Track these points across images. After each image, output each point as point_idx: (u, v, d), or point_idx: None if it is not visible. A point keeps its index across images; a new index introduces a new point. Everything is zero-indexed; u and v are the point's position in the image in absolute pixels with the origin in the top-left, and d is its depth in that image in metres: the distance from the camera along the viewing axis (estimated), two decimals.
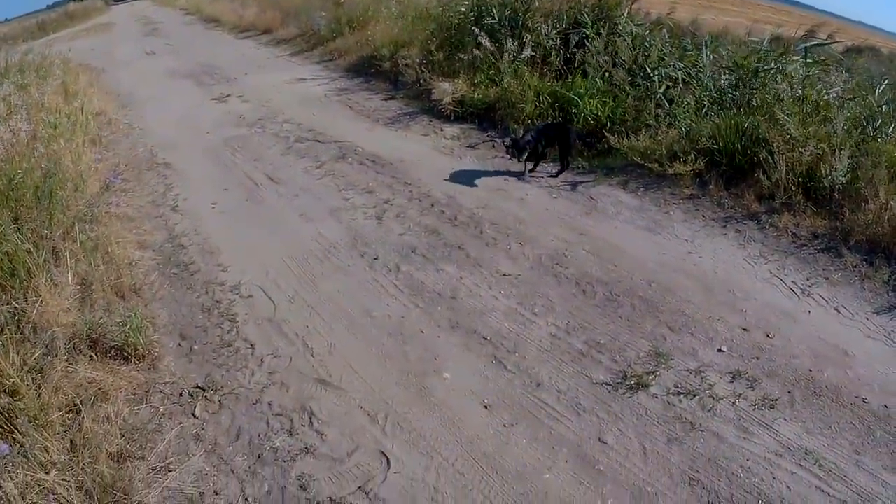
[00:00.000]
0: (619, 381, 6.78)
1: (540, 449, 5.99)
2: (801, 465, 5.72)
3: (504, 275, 7.83)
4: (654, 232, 8.76)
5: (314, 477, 5.04)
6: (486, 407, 6.38)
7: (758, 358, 6.91)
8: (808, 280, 8.15)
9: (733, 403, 6.37)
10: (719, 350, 7.10)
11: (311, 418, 5.61)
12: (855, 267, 8.21)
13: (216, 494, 4.89)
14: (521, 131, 10.12)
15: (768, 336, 7.22)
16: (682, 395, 6.55)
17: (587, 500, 5.52)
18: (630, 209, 9.37)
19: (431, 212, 9.38)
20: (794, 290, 7.99)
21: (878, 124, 9.77)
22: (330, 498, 4.87)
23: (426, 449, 5.78)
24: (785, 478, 5.63)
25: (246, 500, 5.21)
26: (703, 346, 7.15)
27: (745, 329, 7.32)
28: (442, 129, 12.39)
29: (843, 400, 6.35)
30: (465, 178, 10.43)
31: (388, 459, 5.22)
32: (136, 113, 13.13)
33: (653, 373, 6.83)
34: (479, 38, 12.82)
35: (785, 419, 6.18)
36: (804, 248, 8.74)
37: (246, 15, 24.36)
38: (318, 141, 11.83)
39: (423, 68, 14.02)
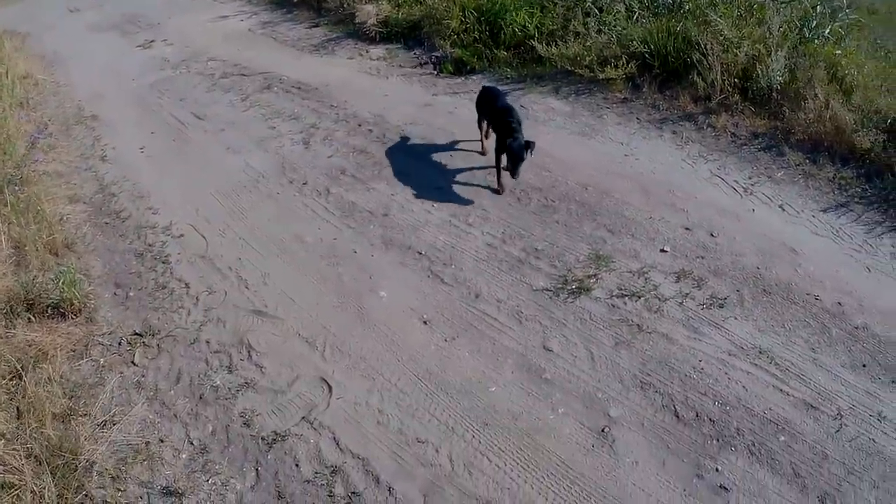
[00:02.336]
0: (560, 286, 6.39)
1: (484, 362, 5.63)
2: (755, 365, 5.45)
3: (437, 188, 7.63)
4: (588, 136, 8.55)
5: (257, 412, 4.96)
6: (425, 323, 6.04)
7: (703, 257, 6.60)
8: (750, 179, 7.81)
9: (680, 304, 6.07)
10: (662, 251, 6.77)
11: (249, 352, 5.51)
12: (798, 165, 7.91)
13: (161, 442, 4.81)
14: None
15: (712, 235, 6.90)
16: (626, 298, 6.21)
17: (537, 410, 5.17)
18: (562, 115, 9.14)
19: (359, 132, 9.07)
20: (737, 189, 7.65)
21: (813, 25, 9.54)
22: (275, 432, 4.80)
23: (367, 371, 5.39)
24: (740, 378, 5.35)
25: (191, 443, 4.95)
26: (645, 247, 6.80)
27: (687, 229, 6.99)
28: (367, 52, 12.01)
29: (795, 297, 6.08)
30: (392, 96, 10.07)
31: (329, 386, 5.16)
32: (62, 71, 12.65)
33: (594, 276, 6.47)
34: None
35: (735, 318, 5.89)
36: (744, 147, 8.36)
37: None
38: (243, 75, 11.42)
39: None
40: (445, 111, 9.53)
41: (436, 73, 10.82)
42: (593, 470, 4.69)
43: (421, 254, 6.60)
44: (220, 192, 7.86)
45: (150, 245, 7.03)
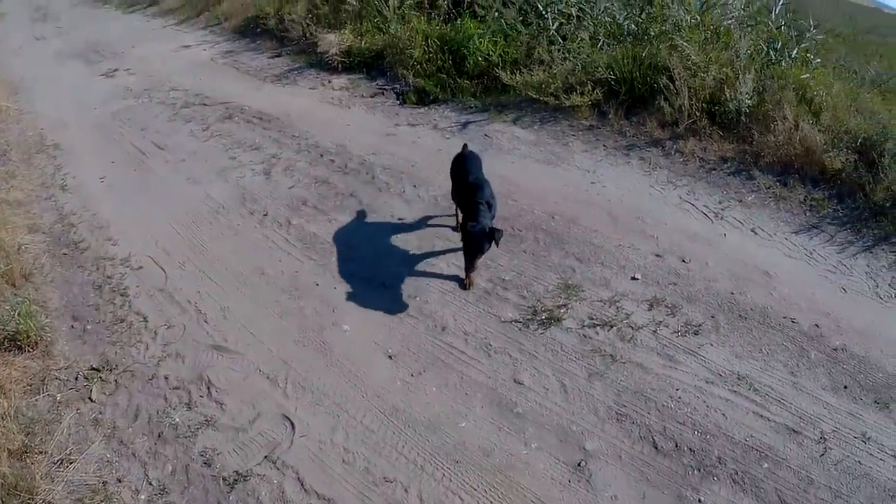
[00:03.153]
0: (530, 317, 6.20)
1: (452, 396, 5.43)
2: (734, 392, 5.32)
3: (399, 219, 7.50)
4: (554, 165, 8.46)
5: (218, 450, 4.75)
6: (390, 357, 5.83)
7: (675, 284, 6.48)
8: (720, 203, 7.70)
9: (654, 332, 5.92)
10: (633, 278, 6.61)
11: (209, 388, 5.30)
12: (768, 188, 7.86)
13: (120, 482, 4.62)
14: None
15: (684, 261, 6.78)
16: (598, 328, 6.03)
17: (509, 446, 4.97)
18: (527, 144, 9.00)
19: (321, 162, 8.97)
20: (707, 214, 7.54)
21: (778, 46, 9.58)
22: (236, 472, 4.62)
23: (331, 408, 5.20)
24: (719, 405, 5.19)
25: (150, 484, 4.71)
26: (616, 275, 6.65)
27: (658, 255, 6.86)
28: (330, 81, 11.89)
29: (771, 321, 5.97)
30: (354, 126, 10.04)
31: (292, 423, 4.96)
32: (26, 98, 12.58)
33: (564, 306, 6.28)
34: None
35: (712, 345, 5.75)
36: (713, 172, 8.29)
37: None
38: (205, 104, 11.29)
39: (308, 22, 13.47)
40: (408, 141, 9.40)
41: (399, 103, 10.71)
42: None
43: (385, 286, 6.43)
44: (180, 223, 7.66)
45: (108, 277, 6.84)
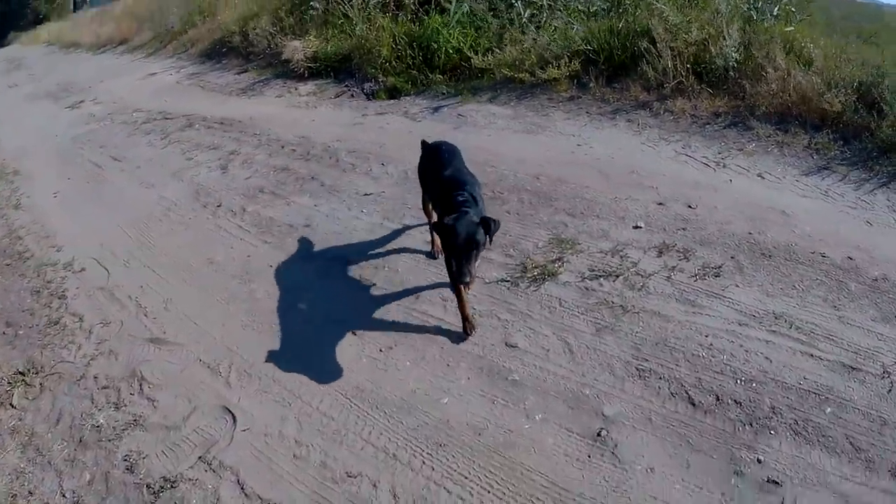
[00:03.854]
0: (519, 275, 5.13)
1: (430, 369, 4.33)
2: (774, 332, 4.27)
3: (366, 194, 6.72)
4: (534, 133, 7.60)
5: (144, 454, 3.83)
6: (354, 334, 4.73)
7: (684, 229, 5.43)
8: (719, 154, 6.73)
9: (668, 278, 4.88)
10: (636, 227, 5.57)
11: (141, 385, 4.43)
12: (769, 137, 6.90)
13: (31, 494, 3.78)
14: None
15: (690, 207, 5.74)
16: (601, 279, 4.96)
17: (506, 420, 3.87)
18: (504, 118, 8.14)
19: (281, 153, 8.06)
20: (707, 163, 6.57)
21: (759, 5, 8.78)
22: (164, 477, 3.65)
23: (282, 396, 4.23)
24: (760, 349, 4.14)
25: (63, 496, 3.76)
26: (615, 226, 5.61)
27: (660, 204, 5.84)
28: (297, 89, 10.99)
29: (799, 258, 4.97)
30: (319, 121, 9.16)
31: (233, 416, 4.04)
32: None
33: (558, 260, 5.24)
34: None
35: (737, 286, 4.72)
36: (707, 126, 7.30)
37: (102, 32, 23.20)
38: (167, 119, 10.49)
39: (273, 32, 12.82)
40: (376, 126, 8.57)
41: (368, 100, 10.10)
42: (595, 486, 3.41)
43: (349, 261, 5.52)
44: (129, 224, 6.89)
45: (48, 282, 6.04)
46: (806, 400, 3.75)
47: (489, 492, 3.44)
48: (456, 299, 4.39)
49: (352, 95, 10.72)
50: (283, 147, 8.32)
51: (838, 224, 5.33)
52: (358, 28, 11.51)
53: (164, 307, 5.34)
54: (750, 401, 3.78)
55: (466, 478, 3.54)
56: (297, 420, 4.06)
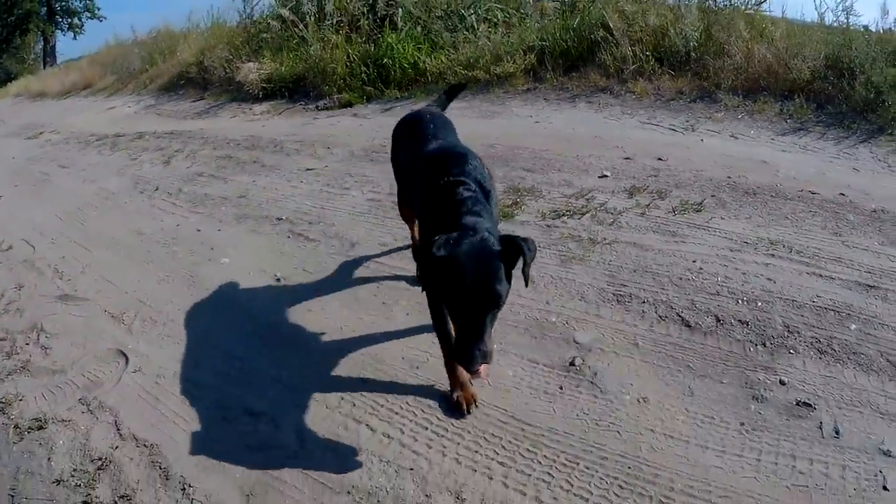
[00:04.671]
0: None
1: (363, 308, 3.48)
2: (772, 255, 3.54)
3: (308, 169, 5.98)
4: (490, 118, 6.86)
5: (21, 397, 3.15)
6: (278, 280, 3.96)
7: (655, 177, 4.73)
8: (687, 122, 5.99)
9: (642, 214, 4.16)
10: (602, 176, 4.84)
11: (38, 335, 3.71)
12: (737, 107, 6.17)
13: None
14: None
15: (660, 160, 5.02)
16: (564, 217, 4.25)
17: None
18: (459, 109, 6.86)
19: (227, 147, 7.37)
20: (676, 130, 5.84)
21: None
22: (35, 418, 2.94)
23: (185, 339, 3.44)
24: (759, 271, 3.39)
25: None
26: (578, 177, 4.89)
27: (627, 158, 5.11)
28: (251, 109, 10.16)
29: (787, 195, 4.29)
30: (269, 126, 8.37)
31: (126, 358, 3.32)
32: None
33: (515, 204, 4.54)
34: (277, 10, 11.18)
35: (722, 218, 4.01)
36: (672, 102, 6.58)
37: (68, 80, 22.71)
38: (118, 136, 9.63)
39: (229, 57, 12.09)
40: (326, 125, 7.92)
41: (320, 111, 9.33)
42: (570, 420, 2.55)
43: (281, 219, 4.83)
44: (66, 212, 6.09)
45: None
46: (824, 317, 2.99)
47: (426, 429, 2.59)
48: (447, 375, 2.68)
49: (305, 110, 9.98)
50: (229, 143, 7.57)
51: (823, 170, 4.72)
52: (312, 48, 10.87)
53: (82, 271, 4.56)
54: (758, 320, 3.00)
55: (397, 414, 2.68)
56: (196, 361, 3.25)
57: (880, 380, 2.59)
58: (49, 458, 2.67)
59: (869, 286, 3.17)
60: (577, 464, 2.28)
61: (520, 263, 2.08)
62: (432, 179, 2.50)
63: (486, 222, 2.27)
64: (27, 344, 3.66)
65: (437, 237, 2.07)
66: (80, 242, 5.14)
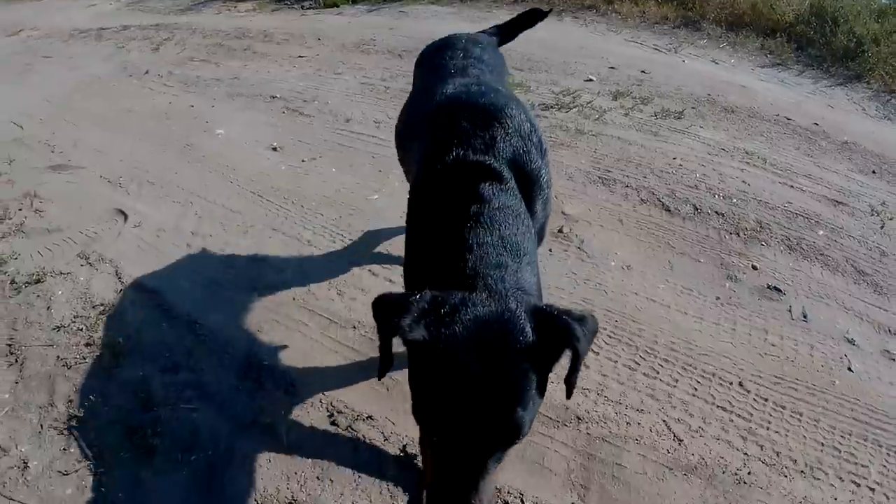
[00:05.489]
0: None
1: (359, 174, 3.55)
2: (748, 163, 3.69)
3: (300, 56, 5.83)
4: (477, 22, 6.52)
5: (17, 254, 3.07)
6: (275, 149, 3.95)
7: (639, 86, 4.77)
8: (670, 44, 5.98)
9: (626, 115, 4.24)
10: (587, 80, 4.85)
11: (32, 201, 3.59)
12: (720, 38, 6.15)
13: None
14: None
15: (644, 72, 5.05)
16: (552, 109, 4.31)
17: None
18: (445, 13, 7.21)
19: (216, 36, 7.01)
20: (659, 49, 5.81)
21: None
22: (32, 273, 2.87)
23: (184, 197, 3.46)
24: (735, 174, 3.54)
25: None
26: (565, 78, 4.91)
27: (612, 67, 5.13)
28: (235, 6, 9.49)
29: (764, 116, 4.37)
30: (257, 21, 7.92)
31: (125, 216, 3.29)
32: None
33: None
34: None
35: (701, 127, 4.11)
36: (657, 25, 6.53)
37: None
38: (102, 30, 8.87)
39: None
40: (314, 20, 7.60)
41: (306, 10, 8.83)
42: (560, 276, 2.72)
43: (275, 97, 4.76)
44: (53, 95, 5.72)
45: None
46: (794, 221, 3.18)
47: None
48: None
49: (290, 8, 9.47)
50: (218, 33, 7.18)
51: (800, 102, 4.78)
52: None
53: (74, 145, 4.41)
54: (733, 213, 3.17)
55: (397, 263, 2.76)
56: (198, 217, 3.26)
57: (845, 281, 2.76)
58: (49, 308, 2.67)
59: (837, 202, 3.33)
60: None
61: (580, 353, 1.10)
62: (429, 157, 1.51)
63: (519, 267, 1.27)
64: (20, 209, 3.59)
65: (413, 296, 1.12)
66: (70, 121, 5.00)
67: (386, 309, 1.13)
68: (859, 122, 4.51)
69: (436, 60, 2.02)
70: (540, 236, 1.56)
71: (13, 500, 1.84)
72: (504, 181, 1.38)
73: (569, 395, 1.19)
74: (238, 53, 6.13)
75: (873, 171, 3.78)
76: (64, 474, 1.91)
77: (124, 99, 5.19)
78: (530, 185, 1.45)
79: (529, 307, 1.11)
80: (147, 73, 5.92)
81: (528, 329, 1.06)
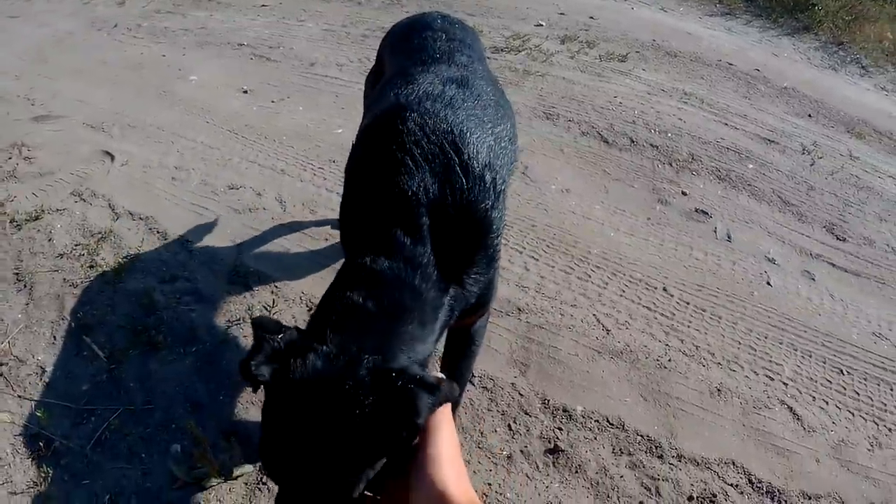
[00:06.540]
0: None
1: (325, 112, 3.70)
2: (685, 103, 3.89)
3: (262, 6, 5.78)
4: None
5: (13, 197, 3.11)
6: (245, 92, 4.06)
7: (586, 31, 4.94)
8: None
9: (572, 58, 4.43)
10: (537, 25, 5.01)
11: (20, 150, 3.57)
12: None
13: None
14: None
15: (592, 18, 5.22)
16: (501, 52, 4.47)
17: None
18: None
19: None
20: None
21: None
22: (29, 212, 2.93)
23: (165, 138, 3.56)
24: (671, 111, 3.73)
25: None
26: (515, 23, 5.04)
27: (561, 13, 5.30)
28: None
29: (706, 61, 4.56)
30: None
31: (111, 156, 3.39)
32: None
33: None
34: None
35: (643, 70, 4.31)
36: None
37: None
38: None
39: None
40: None
41: None
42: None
43: (242, 44, 4.81)
44: (24, 52, 5.59)
45: None
46: (725, 154, 3.43)
47: None
48: None
49: None
50: None
51: (744, 50, 5.00)
52: None
53: (53, 97, 4.39)
54: (667, 146, 3.40)
55: None
56: (180, 153, 3.42)
57: (770, 209, 3.06)
58: (50, 240, 2.82)
59: (770, 140, 3.61)
60: (512, 227, 2.70)
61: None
62: (348, 183, 1.39)
63: (398, 326, 1.09)
64: (10, 158, 3.65)
65: (272, 337, 1.00)
66: (46, 75, 4.99)
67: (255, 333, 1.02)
68: (802, 70, 4.74)
69: (398, 45, 1.77)
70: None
71: (35, 399, 2.04)
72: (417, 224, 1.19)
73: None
74: (203, 4, 6.14)
75: (809, 115, 4.02)
76: (78, 374, 2.11)
77: (97, 52, 5.20)
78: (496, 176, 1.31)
79: (377, 368, 0.96)
80: (116, 26, 5.90)
81: (367, 387, 0.94)
